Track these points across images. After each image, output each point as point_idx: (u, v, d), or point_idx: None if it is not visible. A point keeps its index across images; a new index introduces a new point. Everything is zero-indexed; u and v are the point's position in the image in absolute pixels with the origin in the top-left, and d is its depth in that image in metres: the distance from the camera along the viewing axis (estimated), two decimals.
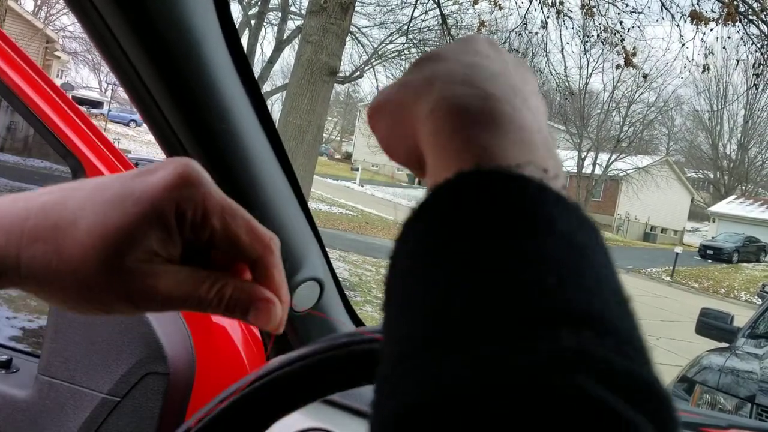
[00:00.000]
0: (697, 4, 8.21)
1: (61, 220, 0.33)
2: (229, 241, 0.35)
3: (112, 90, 32.90)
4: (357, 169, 37.91)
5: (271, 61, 17.72)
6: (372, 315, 6.89)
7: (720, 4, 8.12)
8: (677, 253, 20.85)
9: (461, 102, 0.27)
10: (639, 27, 9.85)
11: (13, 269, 0.33)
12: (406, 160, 0.32)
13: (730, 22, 8.07)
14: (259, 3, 18.20)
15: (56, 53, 25.14)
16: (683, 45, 9.35)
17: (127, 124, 32.22)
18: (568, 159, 35.38)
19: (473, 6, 10.65)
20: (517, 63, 0.33)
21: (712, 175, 45.86)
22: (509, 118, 0.27)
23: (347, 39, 7.38)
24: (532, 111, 0.28)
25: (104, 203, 0.33)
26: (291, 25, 17.97)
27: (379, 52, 19.05)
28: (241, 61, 0.71)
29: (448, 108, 0.27)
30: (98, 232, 0.32)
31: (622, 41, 9.33)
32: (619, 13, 9.29)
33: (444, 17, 11.63)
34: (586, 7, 9.05)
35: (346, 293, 0.97)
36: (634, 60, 9.62)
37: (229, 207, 0.35)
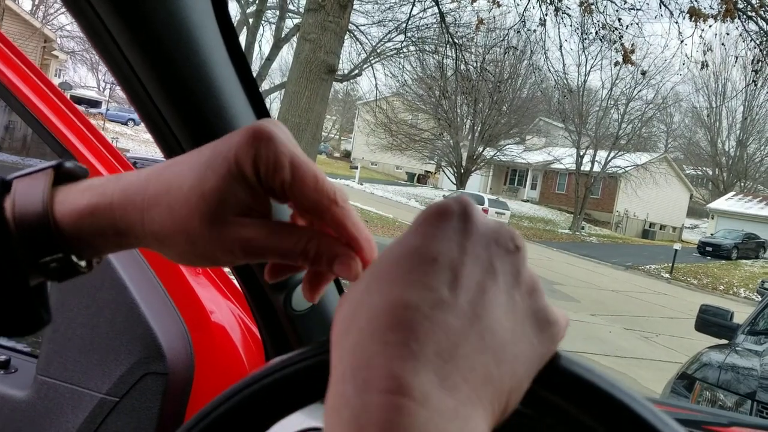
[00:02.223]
0: (696, 0, 8.21)
1: (173, 184, 0.38)
2: (298, 195, 0.38)
3: (110, 89, 32.87)
4: (356, 168, 37.92)
5: (270, 59, 17.71)
6: None
7: (718, 1, 8.12)
8: (676, 250, 20.87)
9: None
10: (637, 24, 9.86)
11: (138, 230, 0.38)
12: None
13: (728, 19, 8.07)
14: (257, 1, 18.18)
15: (54, 52, 25.11)
16: (682, 42, 9.36)
17: (125, 123, 32.20)
18: (566, 156, 35.40)
19: (471, 4, 10.65)
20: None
21: (710, 172, 45.90)
22: None
23: (345, 37, 7.37)
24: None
25: (200, 166, 0.38)
26: (289, 23, 17.97)
27: (378, 50, 19.04)
28: (239, 59, 0.71)
29: None
30: (197, 191, 0.37)
31: (620, 38, 9.33)
32: (617, 10, 9.29)
33: (442, 15, 11.62)
34: (585, 4, 9.05)
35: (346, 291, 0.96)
36: (633, 57, 9.62)
37: (298, 160, 0.38)
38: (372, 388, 0.26)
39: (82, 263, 0.41)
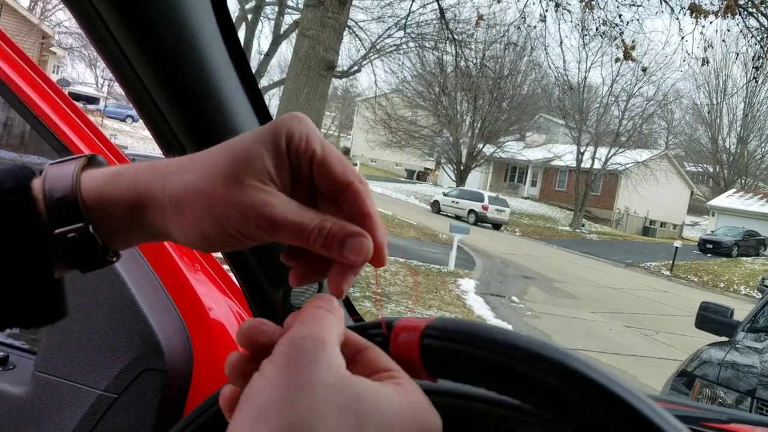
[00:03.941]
0: None
1: (199, 155, 0.40)
2: (325, 169, 0.39)
3: (108, 86, 32.84)
4: (355, 164, 37.91)
5: (268, 55, 17.68)
6: (371, 310, 6.90)
7: None
8: (677, 247, 20.88)
9: None
10: (638, 20, 9.85)
11: (158, 193, 0.39)
12: None
13: (729, 15, 8.06)
14: None
15: (52, 49, 25.09)
16: (682, 38, 9.34)
17: (123, 120, 32.17)
18: (567, 153, 35.39)
19: (471, 0, 10.63)
20: None
21: (711, 169, 45.87)
22: None
23: (345, 33, 7.35)
24: None
25: (236, 138, 0.40)
26: (288, 19, 17.93)
27: (377, 47, 19.00)
28: (238, 55, 0.70)
29: None
30: (226, 153, 0.39)
31: (621, 35, 9.32)
32: (618, 6, 9.27)
33: (442, 11, 11.61)
34: (585, 1, 9.03)
35: None
36: (633, 53, 9.61)
37: (326, 142, 0.40)
38: None
39: (101, 244, 0.41)
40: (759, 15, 8.61)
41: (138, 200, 0.40)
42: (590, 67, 31.40)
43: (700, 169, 47.15)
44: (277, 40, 17.43)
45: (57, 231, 0.39)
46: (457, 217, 25.34)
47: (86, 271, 0.42)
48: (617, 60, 9.85)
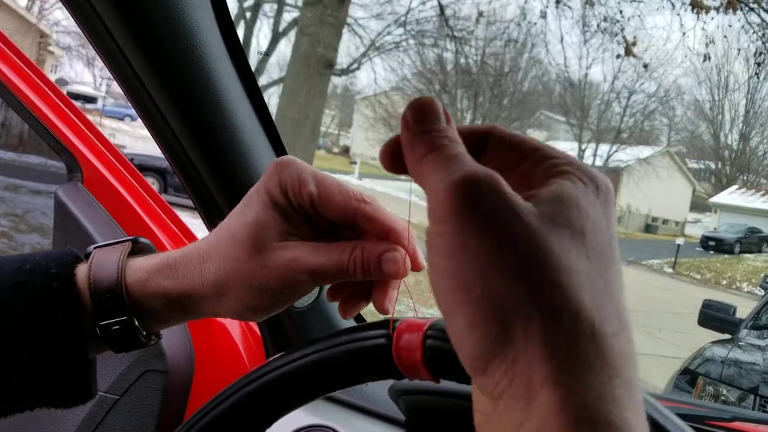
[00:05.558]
0: None
1: (221, 235, 0.42)
2: (326, 205, 0.40)
3: (106, 85, 32.84)
4: (355, 163, 37.85)
5: (267, 53, 17.68)
6: (371, 310, 6.89)
7: None
8: (679, 245, 20.86)
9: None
10: (639, 16, 9.83)
11: (198, 284, 0.42)
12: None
13: (731, 11, 8.05)
14: None
15: (50, 48, 25.12)
16: (684, 34, 9.33)
17: (122, 119, 32.13)
18: (568, 150, 35.21)
19: None
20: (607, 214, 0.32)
21: (713, 166, 45.75)
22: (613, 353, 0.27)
23: (344, 31, 7.35)
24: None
25: (241, 206, 0.42)
26: (287, 17, 17.92)
27: (377, 44, 18.97)
28: (237, 53, 0.70)
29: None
30: (240, 228, 0.41)
31: (622, 31, 9.31)
32: (619, 2, 9.25)
33: (442, 8, 11.59)
34: None
35: None
36: (635, 50, 9.59)
37: (320, 175, 0.41)
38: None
39: (144, 333, 0.43)
40: (760, 11, 8.59)
41: (180, 294, 0.42)
42: (591, 64, 31.37)
43: (702, 166, 47.04)
44: (276, 38, 17.43)
45: (102, 323, 0.41)
46: None
47: (120, 351, 0.44)
48: (618, 56, 9.84)
